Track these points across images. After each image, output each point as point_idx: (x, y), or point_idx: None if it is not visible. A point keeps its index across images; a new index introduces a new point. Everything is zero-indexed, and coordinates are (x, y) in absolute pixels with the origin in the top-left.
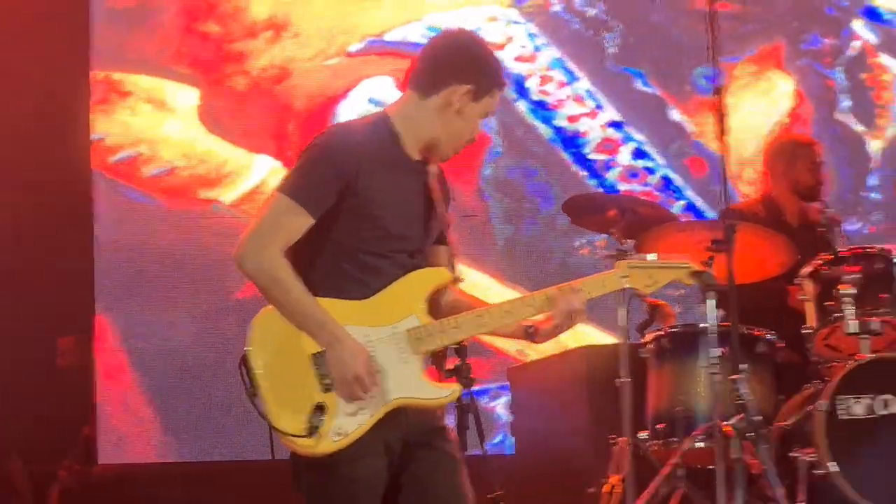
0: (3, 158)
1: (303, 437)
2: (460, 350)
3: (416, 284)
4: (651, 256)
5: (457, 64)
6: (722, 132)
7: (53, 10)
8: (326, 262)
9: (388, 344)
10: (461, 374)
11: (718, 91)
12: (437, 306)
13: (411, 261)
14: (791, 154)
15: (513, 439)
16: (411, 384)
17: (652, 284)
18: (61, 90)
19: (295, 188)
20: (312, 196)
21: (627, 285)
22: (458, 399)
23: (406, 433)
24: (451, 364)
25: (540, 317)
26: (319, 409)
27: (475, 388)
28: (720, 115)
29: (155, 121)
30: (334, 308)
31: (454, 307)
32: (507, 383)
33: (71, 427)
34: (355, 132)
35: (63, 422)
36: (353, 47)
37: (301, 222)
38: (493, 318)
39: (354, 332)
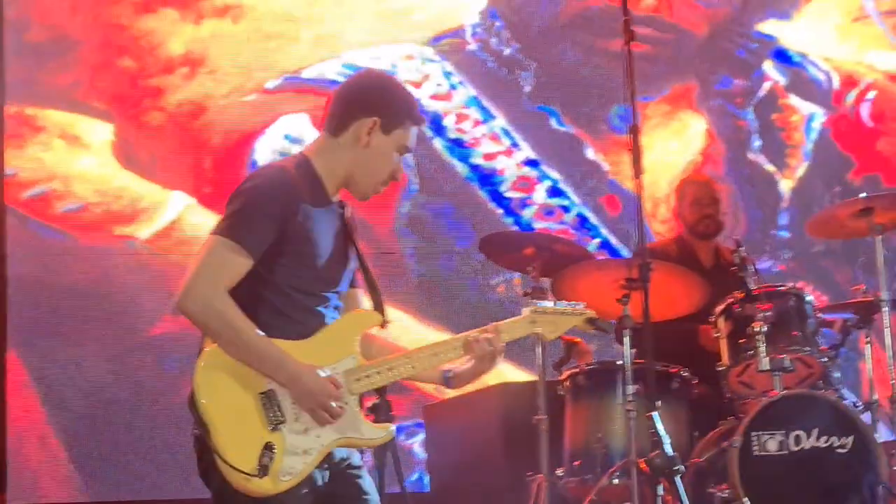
0: None
1: (255, 476)
2: (380, 388)
3: (351, 326)
4: (549, 303)
5: (364, 99)
6: (637, 171)
7: None
8: (265, 303)
9: None
10: (381, 412)
11: (633, 130)
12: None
13: (337, 301)
14: (680, 192)
15: (429, 477)
16: (351, 424)
17: (554, 330)
18: None
19: (233, 230)
20: (251, 237)
21: (536, 330)
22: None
23: (330, 469)
24: (370, 402)
25: (460, 360)
26: (268, 448)
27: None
28: (635, 155)
29: (69, 156)
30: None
31: (377, 349)
32: (423, 420)
33: None
34: (287, 173)
35: None
36: (270, 83)
37: (241, 263)
38: (422, 360)
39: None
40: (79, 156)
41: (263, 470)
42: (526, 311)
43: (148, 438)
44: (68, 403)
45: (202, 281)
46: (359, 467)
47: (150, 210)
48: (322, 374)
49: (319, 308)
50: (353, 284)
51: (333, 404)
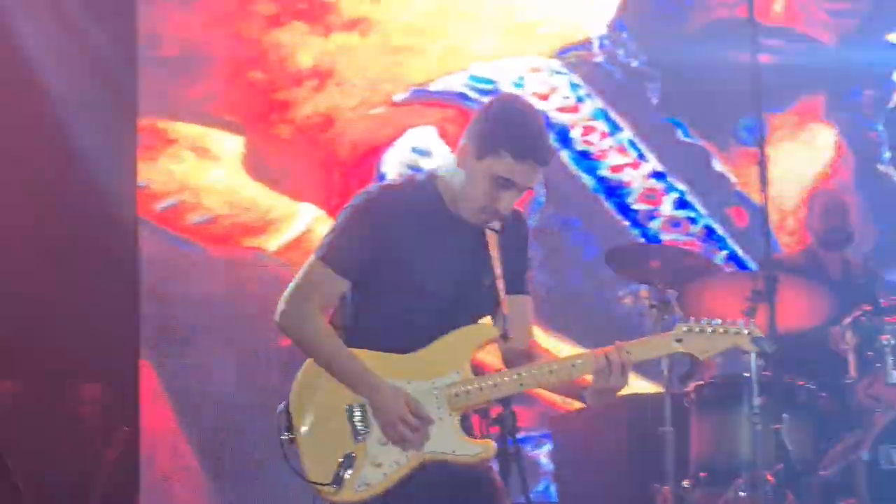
0: (51, 203)
1: (327, 485)
2: (505, 399)
3: (462, 341)
4: (702, 322)
5: (473, 122)
6: (764, 183)
7: (102, 58)
8: (368, 317)
9: (426, 399)
10: (505, 423)
11: (760, 142)
12: (503, 360)
13: (451, 316)
14: (810, 203)
15: (556, 487)
16: (444, 440)
17: (709, 350)
18: (109, 137)
19: (327, 251)
20: (344, 259)
21: (682, 350)
22: (502, 451)
23: (452, 486)
24: (494, 413)
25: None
26: (349, 459)
27: (519, 435)
28: (762, 166)
29: (199, 168)
30: (375, 361)
31: (515, 359)
32: (550, 431)
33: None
34: (393, 193)
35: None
36: (398, 96)
37: (334, 284)
38: (535, 377)
39: (393, 383)
40: (209, 168)
41: (338, 480)
42: (678, 326)
43: (276, 448)
44: (199, 412)
45: (291, 299)
46: (489, 479)
47: (278, 222)
48: (409, 395)
49: (428, 322)
50: (517, 292)
51: (404, 427)
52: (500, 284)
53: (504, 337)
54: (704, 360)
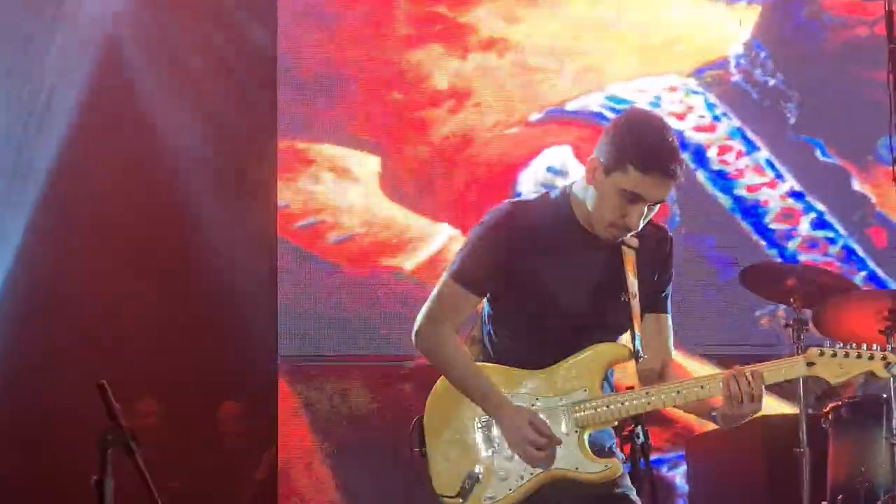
0: (196, 224)
1: (453, 497)
2: (637, 418)
3: (593, 359)
4: (836, 347)
5: (602, 138)
6: None
7: (243, 81)
8: (502, 333)
9: (554, 415)
10: (636, 442)
11: None
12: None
13: (582, 334)
14: None
15: None
16: (569, 457)
17: (842, 375)
18: (249, 159)
19: (459, 270)
20: (476, 277)
21: (814, 373)
22: (635, 469)
23: (573, 498)
24: (627, 431)
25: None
26: (475, 473)
27: (654, 456)
28: None
29: (338, 188)
30: (505, 376)
31: (649, 378)
32: (685, 453)
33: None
34: (526, 210)
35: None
36: (534, 116)
37: (466, 302)
38: (663, 398)
39: (522, 399)
40: (347, 188)
41: (465, 493)
42: (811, 351)
43: (410, 467)
44: (336, 431)
45: (424, 320)
46: (623, 497)
47: (415, 241)
48: (533, 413)
49: (562, 339)
50: (654, 311)
51: (530, 447)
52: (635, 302)
53: (636, 357)
54: (836, 383)
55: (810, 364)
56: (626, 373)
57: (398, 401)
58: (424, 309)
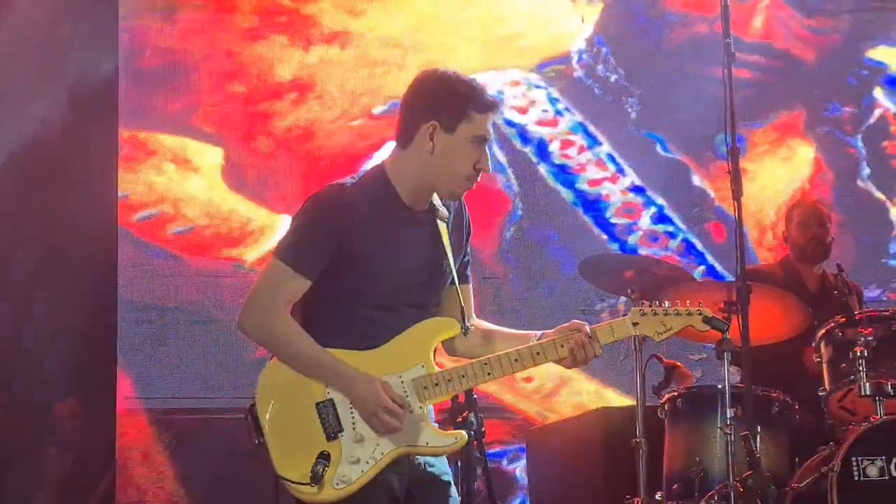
0: (30, 213)
1: (306, 484)
2: (470, 401)
3: (424, 334)
4: (661, 304)
5: (420, 105)
6: (736, 193)
7: (85, 69)
8: (332, 316)
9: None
10: (469, 429)
11: (732, 152)
12: (452, 346)
13: (416, 310)
14: (788, 216)
15: (531, 501)
16: (417, 432)
17: (664, 331)
18: (90, 148)
19: (286, 252)
20: (305, 259)
21: (637, 332)
22: (467, 457)
23: (410, 481)
24: (461, 419)
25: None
26: (324, 457)
27: (495, 449)
28: (734, 176)
29: (179, 179)
30: (342, 357)
31: (475, 345)
32: (525, 445)
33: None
34: (346, 190)
35: (82, 476)
36: (377, 109)
37: (296, 284)
38: (501, 366)
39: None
40: (189, 179)
41: (316, 478)
42: (633, 310)
43: (253, 460)
44: (175, 422)
45: (256, 301)
46: (447, 483)
47: (257, 233)
48: (384, 381)
49: (393, 318)
50: (461, 281)
51: (386, 414)
52: (454, 275)
53: (465, 330)
54: (658, 340)
55: (635, 324)
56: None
57: (241, 391)
58: (252, 293)
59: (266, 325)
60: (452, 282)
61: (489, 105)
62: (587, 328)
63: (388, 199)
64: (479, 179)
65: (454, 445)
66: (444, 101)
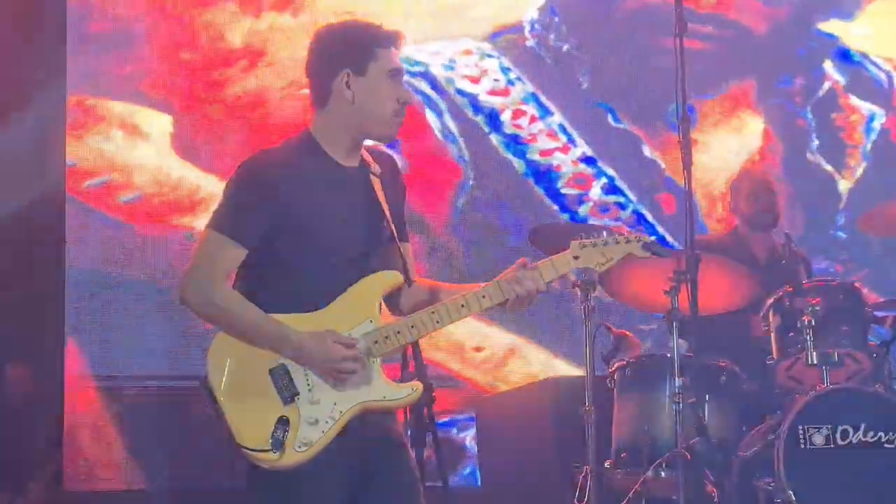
0: None
1: (267, 451)
2: (420, 369)
3: (368, 289)
4: (600, 235)
5: (324, 62)
6: (685, 163)
7: (31, 33)
8: (274, 281)
9: None
10: (421, 377)
11: (683, 120)
12: (398, 305)
13: (360, 266)
14: (736, 186)
15: (480, 471)
16: (372, 387)
17: (606, 262)
18: (37, 114)
19: (221, 222)
20: (239, 227)
21: (580, 265)
22: (417, 424)
23: (370, 443)
24: (411, 367)
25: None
26: (282, 422)
27: (445, 419)
28: (684, 145)
29: (128, 146)
30: (288, 323)
31: (421, 301)
32: (475, 415)
33: (35, 451)
34: (275, 154)
35: (29, 446)
36: None
37: (234, 254)
38: (449, 313)
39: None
40: (138, 146)
41: (276, 444)
42: (573, 244)
43: (204, 430)
44: (126, 393)
45: (196, 274)
46: (401, 445)
47: (207, 201)
48: (330, 331)
49: (334, 276)
50: (400, 238)
51: (343, 364)
52: (392, 228)
53: (408, 281)
54: (601, 270)
55: (576, 257)
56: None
57: (191, 361)
58: (191, 265)
59: (207, 298)
60: (392, 239)
61: (390, 37)
62: (527, 261)
63: (316, 157)
64: (404, 115)
65: (412, 395)
66: (346, 49)
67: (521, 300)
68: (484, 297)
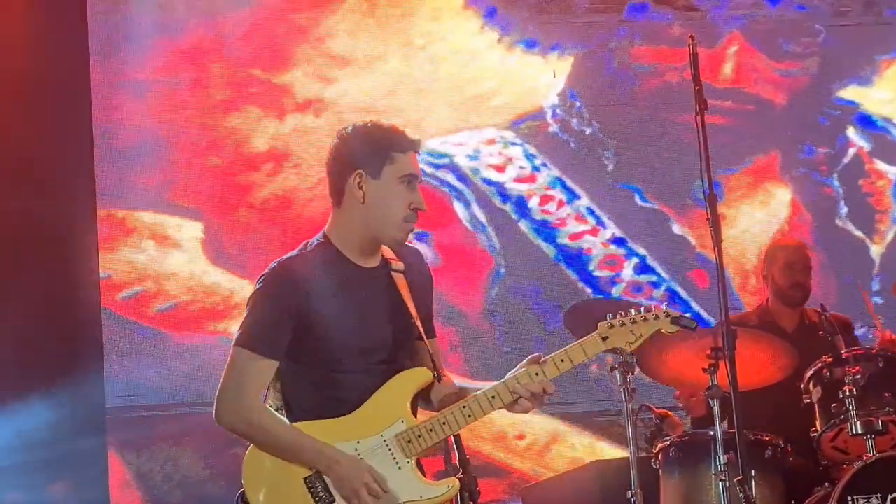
0: (13, 299)
1: None
2: (463, 461)
3: (399, 389)
4: (628, 314)
5: (340, 161)
6: (715, 241)
7: (60, 152)
8: (305, 389)
9: (380, 453)
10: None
11: (710, 198)
12: (429, 400)
13: (389, 367)
14: (771, 257)
15: None
16: (410, 487)
17: (635, 340)
18: (69, 230)
19: (247, 338)
20: (266, 341)
21: (610, 346)
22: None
23: None
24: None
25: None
26: None
27: None
28: (713, 221)
29: (160, 256)
30: (320, 430)
31: (450, 395)
32: (521, 501)
33: None
34: (295, 264)
35: None
36: None
37: (263, 368)
38: (480, 406)
39: (343, 448)
40: (169, 255)
41: None
42: (601, 325)
43: None
44: (167, 499)
45: (228, 395)
46: None
47: (241, 306)
48: (357, 448)
49: (364, 379)
50: (428, 335)
51: (366, 494)
52: (419, 324)
53: (438, 377)
54: (632, 351)
55: (605, 338)
56: None
57: (230, 466)
58: (222, 386)
59: (240, 416)
60: (420, 337)
61: (408, 144)
62: (539, 356)
63: (335, 261)
64: (415, 221)
65: (449, 493)
66: (363, 150)
67: (536, 398)
68: (513, 390)
